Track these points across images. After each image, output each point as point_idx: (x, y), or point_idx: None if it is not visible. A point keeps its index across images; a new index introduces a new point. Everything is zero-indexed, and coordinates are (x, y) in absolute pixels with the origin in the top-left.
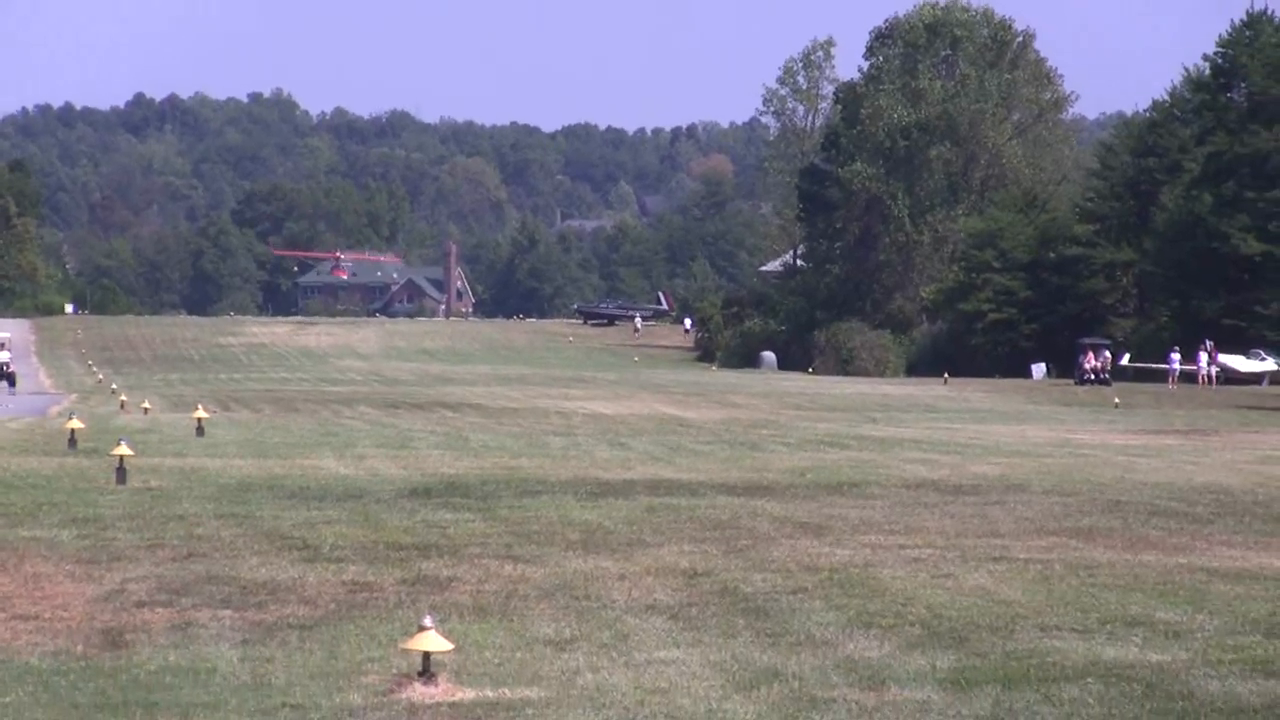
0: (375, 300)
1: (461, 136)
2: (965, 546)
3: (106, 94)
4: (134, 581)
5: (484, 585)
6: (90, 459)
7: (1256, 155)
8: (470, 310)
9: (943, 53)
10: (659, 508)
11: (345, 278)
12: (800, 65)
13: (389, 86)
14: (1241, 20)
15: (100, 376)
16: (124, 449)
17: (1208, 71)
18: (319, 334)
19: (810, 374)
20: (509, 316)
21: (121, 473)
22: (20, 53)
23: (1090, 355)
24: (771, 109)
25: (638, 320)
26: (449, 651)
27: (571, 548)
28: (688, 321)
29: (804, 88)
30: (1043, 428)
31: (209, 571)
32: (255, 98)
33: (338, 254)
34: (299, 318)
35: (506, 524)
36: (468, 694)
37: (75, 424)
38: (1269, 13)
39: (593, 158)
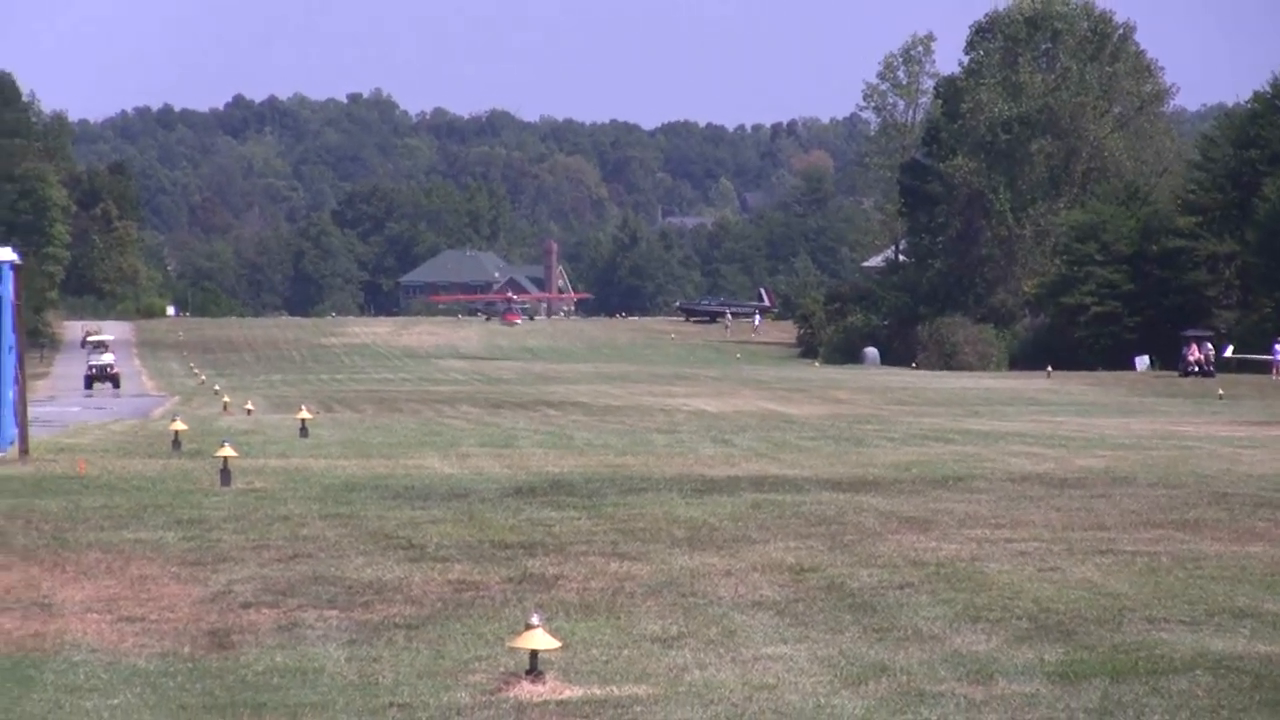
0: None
1: (561, 134)
2: (1071, 540)
3: (205, 96)
4: (240, 583)
5: (590, 583)
6: (194, 460)
7: None
8: (572, 308)
9: (1043, 46)
10: (764, 504)
11: (518, 322)
12: (900, 60)
13: (488, 86)
14: None
15: (202, 378)
16: (228, 450)
17: None
18: (420, 333)
19: (913, 369)
20: (611, 314)
21: (225, 474)
22: (120, 56)
23: (1193, 347)
24: (872, 104)
25: (727, 316)
26: (556, 649)
27: (677, 545)
28: (757, 318)
29: (904, 83)
30: (1147, 420)
31: (314, 572)
32: (354, 98)
33: (509, 295)
34: (400, 318)
35: (612, 522)
36: (575, 692)
37: (179, 426)
38: None
39: (693, 155)
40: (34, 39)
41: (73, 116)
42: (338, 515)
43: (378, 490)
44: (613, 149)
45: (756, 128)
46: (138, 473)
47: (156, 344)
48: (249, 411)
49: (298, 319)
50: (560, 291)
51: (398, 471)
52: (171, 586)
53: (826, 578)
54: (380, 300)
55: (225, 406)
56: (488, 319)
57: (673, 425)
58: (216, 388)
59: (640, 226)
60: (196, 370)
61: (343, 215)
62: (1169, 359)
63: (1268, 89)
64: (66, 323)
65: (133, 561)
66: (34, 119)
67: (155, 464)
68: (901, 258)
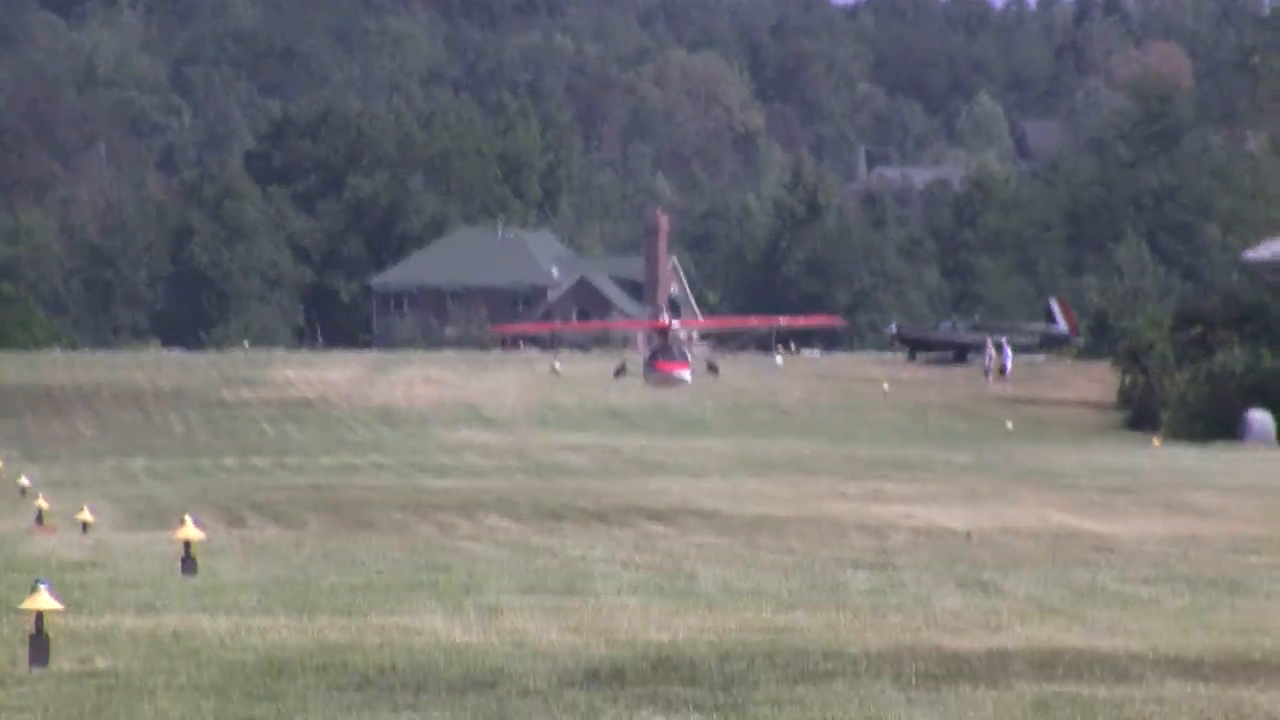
0: (518, 313)
1: (677, 12)
2: None
3: None
4: None
5: None
6: None
7: None
8: (695, 335)
9: None
10: (1056, 704)
11: (685, 375)
12: None
13: None
14: None
15: None
16: (44, 600)
17: None
18: (411, 380)
19: None
20: (767, 347)
21: (40, 644)
22: None
23: None
24: None
25: (988, 354)
26: None
27: None
28: (1007, 358)
29: None
30: None
31: None
32: None
33: (664, 319)
34: (374, 351)
35: None
36: None
37: None
38: None
39: (925, 51)
40: None
41: None
42: None
43: (326, 674)
44: (775, 40)
45: (1047, 2)
46: None
47: None
48: (85, 526)
49: (179, 353)
50: (689, 312)
51: (365, 639)
52: None
53: None
54: (336, 319)
55: (40, 518)
56: (620, 371)
57: (884, 555)
58: (23, 480)
59: (825, 184)
60: None
61: (266, 162)
62: None
63: None
64: None
65: None
66: None
67: None
68: None
